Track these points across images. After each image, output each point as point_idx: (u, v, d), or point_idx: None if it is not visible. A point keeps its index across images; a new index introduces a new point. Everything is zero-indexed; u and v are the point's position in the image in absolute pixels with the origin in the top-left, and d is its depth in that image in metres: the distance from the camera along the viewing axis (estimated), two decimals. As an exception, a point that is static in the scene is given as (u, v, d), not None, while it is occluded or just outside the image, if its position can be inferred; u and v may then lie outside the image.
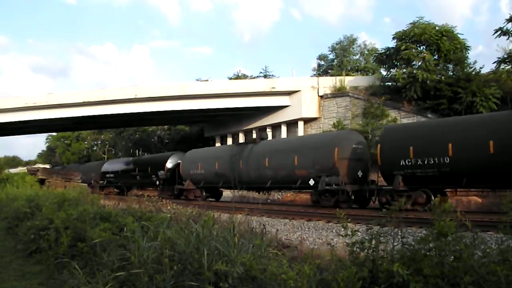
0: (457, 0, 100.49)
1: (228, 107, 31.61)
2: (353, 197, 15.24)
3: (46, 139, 75.57)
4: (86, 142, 65.19)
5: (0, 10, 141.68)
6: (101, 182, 34.03)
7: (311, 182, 16.01)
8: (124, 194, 28.60)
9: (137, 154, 33.55)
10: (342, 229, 3.79)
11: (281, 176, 17.62)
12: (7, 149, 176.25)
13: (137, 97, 31.44)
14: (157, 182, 26.68)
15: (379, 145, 14.44)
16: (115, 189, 32.64)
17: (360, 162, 16.10)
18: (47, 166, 56.76)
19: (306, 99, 29.94)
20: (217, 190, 23.55)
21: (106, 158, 53.29)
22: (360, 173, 15.86)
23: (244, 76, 46.87)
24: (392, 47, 27.22)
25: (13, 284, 5.54)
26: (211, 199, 22.77)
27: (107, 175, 33.72)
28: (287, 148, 18.35)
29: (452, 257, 3.18)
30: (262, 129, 32.84)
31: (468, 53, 26.29)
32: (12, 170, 40.99)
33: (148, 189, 29.34)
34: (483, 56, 67.88)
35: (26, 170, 35.22)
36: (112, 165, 34.75)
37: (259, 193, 20.86)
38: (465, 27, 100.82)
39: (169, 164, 25.90)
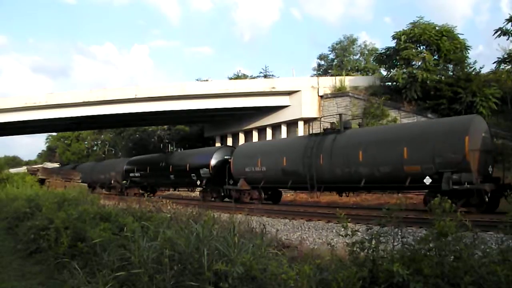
0: None
1: (228, 107, 31.59)
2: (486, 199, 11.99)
3: (46, 139, 75.63)
4: (86, 142, 65.17)
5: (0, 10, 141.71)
6: (124, 182, 30.24)
7: (427, 180, 12.76)
8: (153, 195, 26.23)
9: (169, 150, 28.06)
10: (342, 229, 3.80)
11: (381, 174, 13.95)
12: (7, 149, 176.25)
13: (137, 97, 31.41)
14: (198, 182, 22.85)
15: None
16: (140, 190, 28.59)
17: (489, 154, 13.20)
18: (56, 165, 55.24)
19: (306, 99, 29.92)
20: (277, 192, 20.21)
21: (106, 158, 53.19)
22: (490, 169, 12.97)
23: (244, 76, 46.85)
24: (392, 47, 27.22)
25: (13, 284, 5.54)
26: (268, 202, 19.45)
27: (132, 174, 29.71)
28: (391, 138, 14.56)
29: (452, 257, 3.18)
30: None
31: (468, 53, 26.31)
32: (14, 170, 40.87)
33: (184, 190, 26.97)
34: (483, 56, 67.98)
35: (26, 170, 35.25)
36: (138, 163, 30.44)
37: (341, 195, 17.02)
38: (465, 27, 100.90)
39: (214, 161, 22.06)
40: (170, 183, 26.43)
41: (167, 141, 41.42)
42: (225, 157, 21.85)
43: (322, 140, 16.30)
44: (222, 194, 21.56)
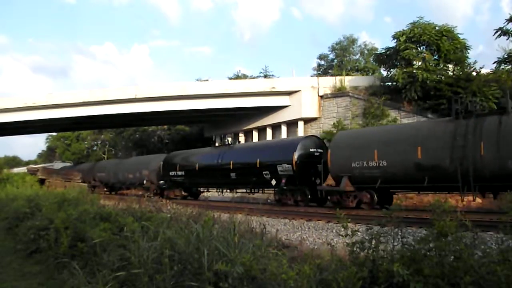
0: None
1: (228, 107, 31.61)
2: None
3: (46, 139, 75.78)
4: (86, 142, 65.20)
5: None
6: (162, 182, 25.68)
7: None
8: (194, 199, 24.11)
9: (228, 142, 23.47)
10: (342, 229, 3.80)
11: None
12: (7, 149, 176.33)
13: (137, 97, 31.43)
14: (273, 182, 18.07)
15: None
16: (183, 192, 25.05)
17: None
18: (68, 163, 53.68)
19: (306, 99, 29.94)
20: (388, 194, 15.42)
21: (106, 158, 53.06)
22: None
23: (244, 76, 46.86)
24: (392, 47, 27.22)
25: (13, 284, 5.54)
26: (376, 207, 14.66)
27: (172, 173, 24.81)
28: None
29: (452, 257, 3.18)
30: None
31: (468, 53, 26.32)
32: (18, 170, 40.75)
33: (244, 192, 22.00)
34: (484, 56, 68.01)
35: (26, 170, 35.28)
36: (182, 159, 25.36)
37: (496, 197, 13.06)
38: (466, 27, 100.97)
39: (298, 154, 17.29)
40: (228, 183, 21.40)
41: (225, 134, 36.22)
42: (311, 150, 17.73)
43: (479, 123, 12.73)
44: (309, 196, 17.35)
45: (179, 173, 24.47)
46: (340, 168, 15.48)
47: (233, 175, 20.50)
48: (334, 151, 16.00)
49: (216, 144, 27.77)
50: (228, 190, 22.86)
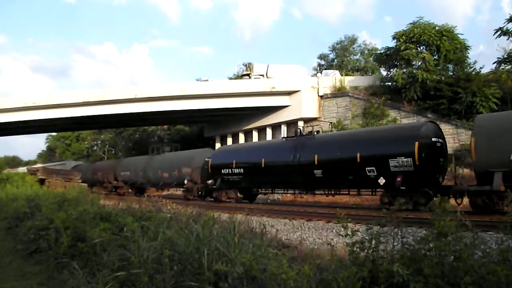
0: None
1: (228, 107, 31.60)
2: None
3: (46, 139, 75.66)
4: (86, 142, 65.20)
5: None
6: (210, 182, 21.47)
7: None
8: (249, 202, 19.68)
9: (310, 132, 18.58)
10: (342, 229, 3.80)
11: None
12: (7, 149, 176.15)
13: (137, 97, 31.42)
14: (381, 181, 14.18)
15: None
16: (239, 194, 20.86)
17: None
18: (80, 162, 51.49)
19: (306, 99, 29.94)
20: None
21: (106, 158, 52.97)
22: None
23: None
24: (392, 47, 27.23)
25: (13, 284, 5.54)
26: None
27: (225, 171, 20.34)
28: None
29: (452, 257, 3.19)
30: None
31: (468, 53, 26.29)
32: (21, 170, 40.55)
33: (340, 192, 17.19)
34: (484, 56, 67.94)
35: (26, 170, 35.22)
36: (242, 154, 21.12)
37: None
38: (466, 26, 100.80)
39: (420, 143, 13.42)
40: (310, 183, 16.98)
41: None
42: (433, 139, 13.99)
43: None
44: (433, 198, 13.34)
45: (236, 171, 19.91)
46: (491, 161, 11.85)
47: (318, 173, 16.12)
48: (482, 139, 12.31)
49: (283, 135, 24.32)
50: (304, 192, 18.86)
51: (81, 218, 6.70)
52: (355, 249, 3.56)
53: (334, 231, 9.77)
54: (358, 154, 14.88)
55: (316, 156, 16.34)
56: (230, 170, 20.20)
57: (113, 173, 32.96)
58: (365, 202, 18.84)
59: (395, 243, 3.67)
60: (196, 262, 4.07)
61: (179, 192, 27.92)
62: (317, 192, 18.41)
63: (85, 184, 30.65)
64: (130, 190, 30.62)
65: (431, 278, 2.99)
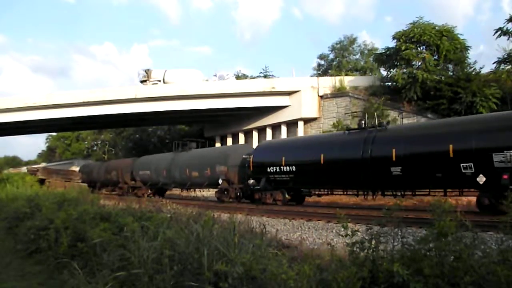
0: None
1: (228, 107, 31.61)
2: None
3: (46, 139, 75.75)
4: (86, 142, 65.21)
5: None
6: (252, 182, 19.02)
7: None
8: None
9: (381, 124, 16.10)
10: (342, 229, 3.80)
11: None
12: (7, 149, 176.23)
13: (137, 97, 31.45)
14: (481, 179, 11.97)
15: None
16: (287, 195, 17.99)
17: None
18: (89, 161, 47.87)
19: (306, 99, 29.95)
20: None
21: (106, 158, 52.83)
22: None
23: (244, 76, 46.88)
24: (392, 47, 27.23)
25: (13, 284, 5.54)
26: None
27: (273, 169, 17.81)
28: None
29: (452, 257, 3.19)
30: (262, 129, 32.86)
31: (468, 53, 26.32)
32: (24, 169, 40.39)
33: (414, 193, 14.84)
34: (485, 56, 67.95)
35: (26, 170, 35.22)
36: (293, 150, 18.29)
37: None
38: (467, 26, 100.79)
39: None
40: (385, 182, 14.39)
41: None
42: None
43: None
44: None
45: (286, 169, 17.34)
46: None
47: (395, 170, 13.70)
48: None
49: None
50: (373, 194, 15.64)
51: (81, 218, 6.70)
52: (355, 249, 3.56)
53: (334, 231, 9.76)
54: (451, 147, 12.46)
55: (393, 151, 13.68)
56: (278, 168, 17.67)
57: (129, 172, 29.61)
58: (364, 202, 18.86)
59: (395, 243, 3.67)
60: (196, 262, 4.07)
61: (206, 193, 25.87)
62: (387, 193, 15.19)
63: (85, 184, 30.66)
64: (149, 191, 27.44)
65: (431, 278, 2.99)
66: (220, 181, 20.81)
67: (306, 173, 16.97)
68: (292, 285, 3.04)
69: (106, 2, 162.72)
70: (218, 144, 36.76)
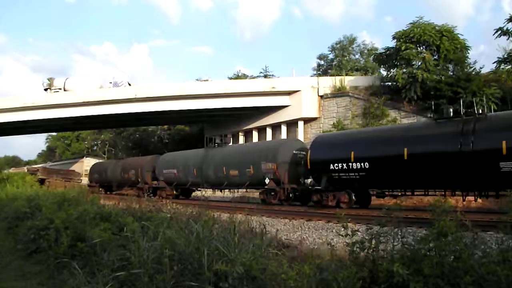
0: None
1: (228, 107, 31.60)
2: None
3: (46, 139, 75.76)
4: (86, 142, 65.19)
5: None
6: (309, 181, 17.53)
7: None
8: None
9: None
10: (342, 229, 3.80)
11: None
12: (7, 149, 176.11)
13: (136, 97, 31.43)
14: None
15: None
16: (353, 196, 15.36)
17: None
18: (101, 160, 45.10)
19: (306, 99, 29.93)
20: None
21: (106, 158, 52.80)
22: None
23: (244, 76, 46.88)
24: (392, 47, 27.23)
25: (13, 284, 5.54)
26: None
27: (336, 167, 15.32)
28: None
29: (452, 257, 3.19)
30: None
31: (468, 53, 26.30)
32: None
33: None
34: (485, 55, 67.88)
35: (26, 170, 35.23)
36: (365, 143, 15.45)
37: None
38: (467, 26, 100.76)
39: None
40: (496, 179, 11.76)
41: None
42: None
43: None
44: None
45: (356, 166, 14.84)
46: None
47: (506, 166, 11.42)
48: None
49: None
50: (474, 194, 13.08)
51: (81, 218, 6.70)
52: (355, 249, 3.56)
53: (334, 231, 9.76)
54: None
55: (504, 143, 11.47)
56: (344, 165, 15.15)
57: (150, 171, 26.75)
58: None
59: (395, 243, 3.67)
60: (196, 262, 4.07)
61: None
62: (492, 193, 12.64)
63: (85, 184, 30.60)
64: (175, 192, 25.08)
65: (431, 278, 2.99)
66: (267, 181, 18.13)
67: (383, 170, 14.32)
68: (292, 285, 3.04)
69: (106, 2, 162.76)
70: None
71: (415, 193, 14.97)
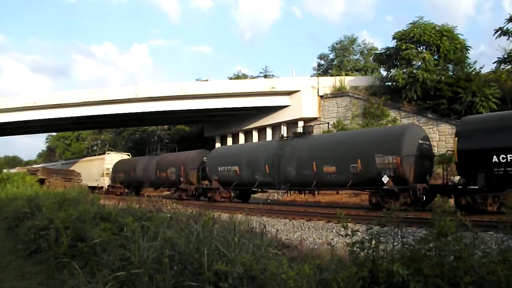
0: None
1: (228, 107, 31.61)
2: None
3: (46, 139, 75.70)
4: (86, 142, 65.20)
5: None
6: (459, 179, 13.01)
7: None
8: None
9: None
10: (342, 229, 3.80)
11: None
12: (7, 149, 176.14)
13: (137, 97, 31.44)
14: None
15: None
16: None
17: None
18: (126, 155, 37.42)
19: (306, 99, 29.95)
20: None
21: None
22: None
23: (244, 76, 46.88)
24: (392, 47, 27.24)
25: (13, 284, 5.54)
26: None
27: (504, 159, 11.33)
28: None
29: (452, 257, 3.19)
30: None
31: (468, 53, 26.31)
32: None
33: None
34: (485, 55, 67.91)
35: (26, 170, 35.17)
36: None
37: None
38: (467, 26, 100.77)
39: None
40: None
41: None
42: None
43: None
44: None
45: None
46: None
47: None
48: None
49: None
50: None
51: (81, 218, 6.70)
52: (355, 249, 3.56)
53: (334, 231, 9.77)
54: None
55: None
56: None
57: (196, 169, 22.63)
58: (365, 202, 18.87)
59: (395, 243, 3.67)
60: (196, 262, 4.07)
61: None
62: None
63: (85, 184, 30.52)
64: (232, 195, 20.88)
65: (431, 278, 2.99)
66: (385, 179, 13.89)
67: None
68: (292, 285, 3.04)
69: (106, 2, 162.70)
70: (218, 144, 36.71)
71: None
